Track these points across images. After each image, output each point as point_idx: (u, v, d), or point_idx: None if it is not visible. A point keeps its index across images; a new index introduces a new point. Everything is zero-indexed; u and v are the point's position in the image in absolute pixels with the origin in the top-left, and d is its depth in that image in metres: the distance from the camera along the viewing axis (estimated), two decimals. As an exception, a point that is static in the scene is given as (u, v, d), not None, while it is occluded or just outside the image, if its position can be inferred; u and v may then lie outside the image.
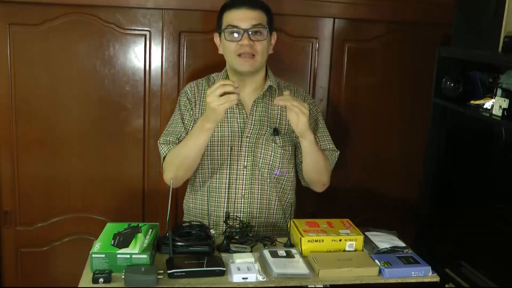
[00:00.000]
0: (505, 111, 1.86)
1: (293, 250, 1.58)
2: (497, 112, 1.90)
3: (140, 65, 2.32)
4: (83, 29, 2.24)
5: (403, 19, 2.43)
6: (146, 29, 2.28)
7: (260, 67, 1.84)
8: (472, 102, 2.07)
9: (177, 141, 1.83)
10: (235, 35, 1.78)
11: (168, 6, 2.25)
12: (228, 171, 1.85)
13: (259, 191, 1.87)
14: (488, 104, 1.99)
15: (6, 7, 2.18)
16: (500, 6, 1.88)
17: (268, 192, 1.88)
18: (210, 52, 2.32)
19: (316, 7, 2.35)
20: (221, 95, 1.58)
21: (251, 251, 1.58)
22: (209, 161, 1.85)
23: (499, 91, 1.93)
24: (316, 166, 1.83)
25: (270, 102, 1.89)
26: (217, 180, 1.86)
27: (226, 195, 1.85)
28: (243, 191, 1.85)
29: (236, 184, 1.85)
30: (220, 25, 1.83)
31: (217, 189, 1.86)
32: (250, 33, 1.76)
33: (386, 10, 2.40)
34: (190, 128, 1.84)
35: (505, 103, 1.86)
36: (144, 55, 2.31)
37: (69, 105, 2.30)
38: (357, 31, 2.44)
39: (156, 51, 2.31)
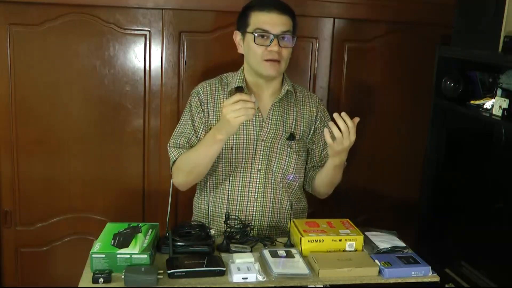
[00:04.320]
0: (505, 111, 1.86)
1: (293, 250, 1.58)
2: (497, 112, 1.90)
3: (140, 65, 2.32)
4: (83, 29, 2.24)
5: (403, 19, 2.43)
6: (146, 29, 2.28)
7: (283, 72, 1.84)
8: (472, 102, 2.07)
9: (187, 144, 1.81)
10: (265, 39, 1.75)
11: (168, 6, 2.25)
12: (242, 174, 1.83)
13: (272, 195, 1.85)
14: (488, 104, 1.99)
15: (6, 7, 2.18)
16: (500, 6, 1.88)
17: (280, 196, 1.87)
18: (210, 52, 2.32)
19: (316, 7, 2.35)
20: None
21: (251, 251, 1.58)
22: (223, 164, 1.83)
23: (499, 91, 1.93)
24: (331, 183, 1.87)
25: (286, 107, 1.88)
26: (231, 183, 1.84)
27: (239, 198, 1.84)
28: (256, 194, 1.84)
29: (249, 188, 1.83)
30: (245, 24, 1.78)
31: (230, 192, 1.84)
32: (279, 39, 1.74)
33: (386, 10, 2.40)
34: (200, 131, 1.82)
35: (505, 103, 1.86)
36: (144, 55, 2.31)
37: (69, 105, 2.30)
38: (357, 31, 2.44)
39: (156, 51, 2.31)
